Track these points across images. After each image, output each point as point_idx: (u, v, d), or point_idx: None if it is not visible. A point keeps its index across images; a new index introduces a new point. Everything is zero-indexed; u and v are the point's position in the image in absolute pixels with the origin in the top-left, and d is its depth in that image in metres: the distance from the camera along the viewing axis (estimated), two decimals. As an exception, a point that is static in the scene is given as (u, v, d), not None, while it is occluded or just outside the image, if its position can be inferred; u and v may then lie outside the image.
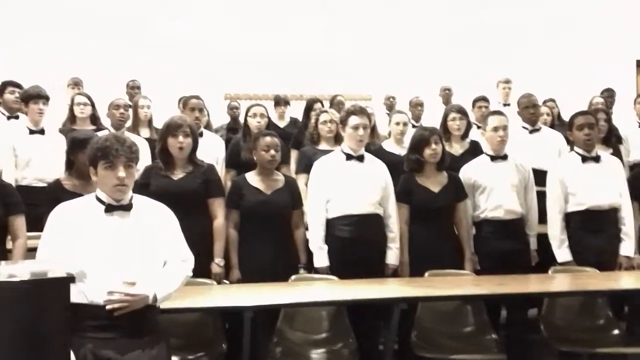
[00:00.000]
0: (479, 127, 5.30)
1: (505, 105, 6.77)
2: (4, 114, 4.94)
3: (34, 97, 4.53)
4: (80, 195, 3.25)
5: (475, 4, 9.02)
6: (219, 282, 3.58)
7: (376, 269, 3.75)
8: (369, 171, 3.88)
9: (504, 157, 4.11)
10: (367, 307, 3.55)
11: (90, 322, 2.39)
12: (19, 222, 3.36)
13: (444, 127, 4.70)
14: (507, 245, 3.93)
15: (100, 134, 3.88)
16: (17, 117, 4.94)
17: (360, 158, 3.88)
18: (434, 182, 3.98)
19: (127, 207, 2.57)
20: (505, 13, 8.96)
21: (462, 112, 4.79)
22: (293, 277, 3.61)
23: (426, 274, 3.67)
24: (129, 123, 5.17)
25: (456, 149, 4.70)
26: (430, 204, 3.93)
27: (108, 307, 2.40)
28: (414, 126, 6.04)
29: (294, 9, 8.79)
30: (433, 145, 3.92)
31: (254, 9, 8.70)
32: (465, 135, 4.79)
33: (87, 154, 2.59)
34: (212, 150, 4.51)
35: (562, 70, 8.65)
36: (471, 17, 8.94)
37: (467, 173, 4.11)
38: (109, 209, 2.54)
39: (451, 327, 3.64)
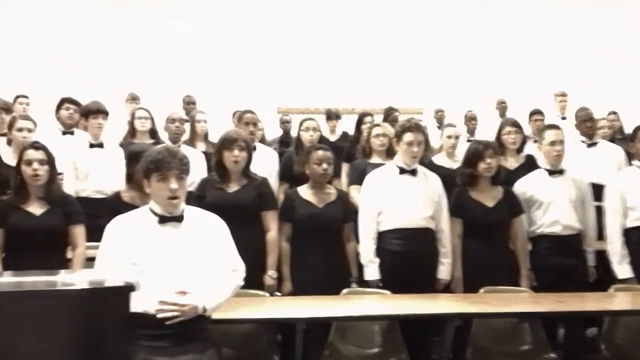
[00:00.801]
0: (535, 141, 5.21)
1: (562, 118, 6.63)
2: (59, 129, 5.12)
3: (94, 112, 4.68)
4: (135, 206, 3.37)
5: (526, 18, 8.90)
6: (271, 294, 3.60)
7: (427, 284, 3.70)
8: (422, 185, 3.85)
9: (561, 172, 4.02)
10: (420, 323, 3.51)
11: (144, 330, 2.45)
12: (79, 232, 3.48)
13: (499, 141, 4.63)
14: (564, 261, 3.83)
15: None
16: (72, 133, 5.12)
17: (414, 172, 3.86)
18: (488, 197, 3.92)
19: (180, 218, 2.62)
20: (557, 27, 8.80)
21: (516, 125, 4.71)
22: (345, 290, 3.60)
23: (481, 290, 3.60)
24: (185, 137, 5.30)
25: (511, 163, 4.63)
26: (485, 219, 3.87)
27: (159, 315, 2.45)
28: (468, 140, 5.98)
29: (345, 24, 8.85)
30: (488, 160, 3.87)
31: (306, 24, 8.80)
32: (520, 149, 4.71)
33: (141, 166, 2.66)
34: (265, 164, 4.56)
35: (626, 82, 8.42)
36: (525, 30, 8.82)
37: (523, 188, 4.03)
38: (162, 220, 2.60)
39: (507, 345, 3.56)
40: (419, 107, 8.49)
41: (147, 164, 2.60)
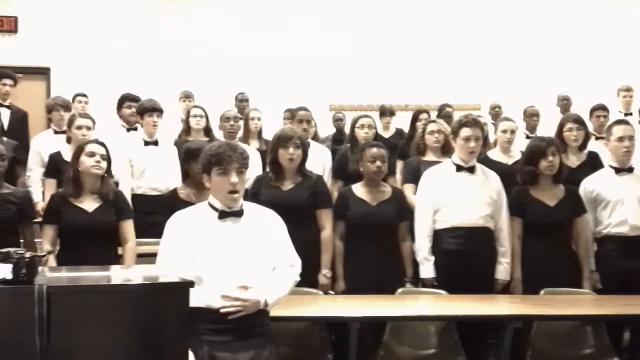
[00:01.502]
0: (597, 138, 5.04)
1: (626, 114, 6.38)
2: (123, 127, 5.23)
3: (149, 110, 4.77)
4: (193, 203, 3.41)
5: (589, 10, 8.63)
6: (325, 293, 3.61)
7: (484, 285, 3.65)
8: (480, 183, 3.79)
9: (630, 170, 3.87)
10: (477, 324, 3.46)
11: (207, 325, 2.49)
12: (129, 226, 3.56)
13: (560, 138, 4.49)
14: (632, 263, 3.69)
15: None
16: (135, 129, 5.23)
17: (472, 169, 3.80)
18: (550, 196, 3.82)
19: (239, 213, 2.65)
20: (622, 17, 8.50)
21: (579, 121, 4.56)
22: (399, 290, 3.58)
23: (542, 292, 3.52)
24: (239, 134, 5.36)
25: (573, 161, 4.48)
26: (546, 219, 3.77)
27: (222, 310, 2.49)
28: (527, 137, 5.84)
29: (397, 19, 8.78)
30: (550, 157, 3.76)
31: (357, 21, 8.77)
32: (583, 146, 4.56)
33: (201, 161, 2.69)
34: (318, 161, 4.57)
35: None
36: (588, 23, 8.56)
37: (589, 186, 3.90)
38: (222, 215, 2.63)
39: (568, 349, 3.48)
40: (476, 103, 8.34)
41: (207, 158, 2.63)
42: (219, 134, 5.33)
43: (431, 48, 8.60)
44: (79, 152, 3.48)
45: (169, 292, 2.03)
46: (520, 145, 4.82)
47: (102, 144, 3.54)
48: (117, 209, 3.52)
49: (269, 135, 5.69)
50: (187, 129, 5.40)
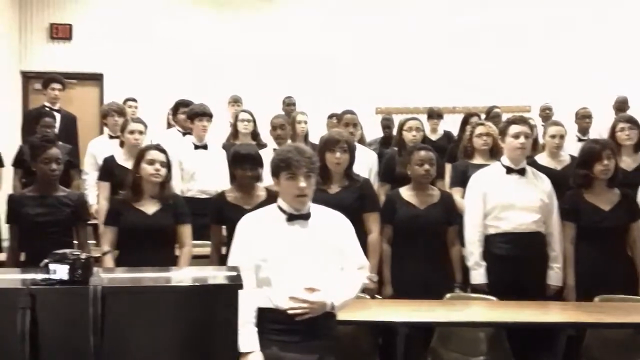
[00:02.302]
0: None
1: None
2: (179, 131, 5.34)
3: (199, 114, 4.87)
4: (240, 207, 3.49)
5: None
6: (372, 297, 3.59)
7: (536, 291, 3.58)
8: (531, 186, 3.71)
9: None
10: (528, 331, 3.38)
11: (275, 325, 2.53)
12: (187, 231, 3.63)
13: (613, 139, 4.36)
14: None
15: (262, 151, 4.09)
16: (190, 134, 5.32)
17: (522, 171, 3.73)
18: (604, 200, 3.72)
19: (307, 216, 2.67)
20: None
21: (632, 121, 4.42)
22: (448, 295, 3.53)
23: (596, 299, 3.43)
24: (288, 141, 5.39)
25: (628, 163, 4.35)
26: (600, 223, 3.66)
27: (290, 312, 2.52)
28: (579, 140, 5.70)
29: (445, 20, 8.69)
30: (605, 161, 3.66)
31: (404, 22, 8.73)
32: (638, 148, 4.42)
33: (271, 165, 2.73)
34: (366, 165, 4.57)
35: None
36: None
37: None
38: (290, 218, 2.66)
39: (623, 358, 3.37)
40: (526, 105, 8.18)
41: (276, 162, 2.67)
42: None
43: (479, 48, 8.49)
44: (139, 158, 3.56)
45: (218, 294, 2.05)
46: (571, 148, 4.71)
47: (163, 151, 3.61)
48: (176, 213, 3.59)
49: (315, 138, 5.73)
50: (234, 133, 5.48)
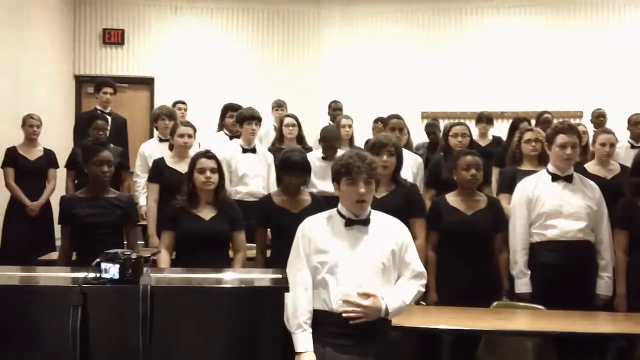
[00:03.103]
0: None
1: None
2: (226, 134, 5.40)
3: (248, 118, 4.91)
4: (286, 210, 3.52)
5: None
6: (416, 303, 3.56)
7: (585, 300, 3.49)
8: (579, 193, 3.63)
9: None
10: (577, 342, 3.30)
11: (329, 328, 2.56)
12: (241, 238, 3.68)
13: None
14: None
15: (309, 154, 4.12)
16: (238, 137, 5.37)
17: (569, 178, 3.65)
18: (660, 208, 3.60)
19: (366, 222, 2.70)
20: None
21: None
22: (495, 303, 3.48)
23: (648, 310, 3.32)
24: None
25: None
26: (654, 232, 3.55)
27: (344, 315, 2.54)
28: (632, 147, 5.53)
29: (492, 25, 8.57)
30: (660, 168, 3.55)
31: (451, 26, 8.64)
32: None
33: (332, 170, 2.77)
34: (411, 169, 4.54)
35: None
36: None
37: None
38: (349, 223, 2.69)
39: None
40: (578, 110, 7.99)
41: (337, 167, 2.71)
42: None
43: (528, 52, 8.33)
44: (192, 167, 3.63)
45: (264, 296, 2.08)
46: (623, 155, 4.57)
47: (211, 157, 3.65)
48: (232, 219, 3.64)
49: (360, 142, 5.73)
50: (280, 137, 5.51)
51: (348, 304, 2.54)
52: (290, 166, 3.61)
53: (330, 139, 4.94)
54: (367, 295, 2.56)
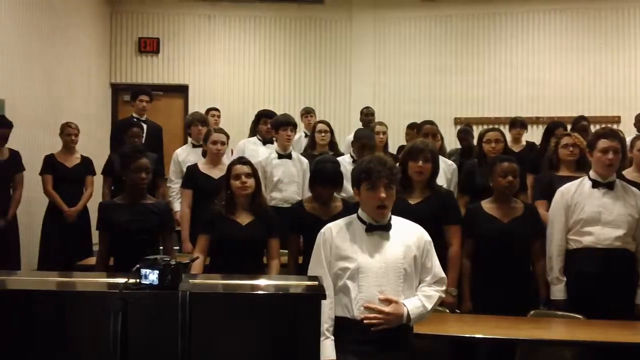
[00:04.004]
0: None
1: None
2: (259, 140, 5.43)
3: (284, 124, 4.93)
4: (318, 217, 3.52)
5: None
6: (451, 312, 3.53)
7: (622, 310, 3.41)
8: (620, 201, 3.55)
9: None
10: (617, 353, 3.21)
11: (352, 335, 2.55)
12: (276, 245, 3.67)
13: None
14: None
15: (339, 159, 4.11)
16: (272, 142, 5.40)
17: (610, 185, 3.57)
18: (702, 216, 3.50)
19: (387, 227, 2.68)
20: None
21: None
22: (532, 312, 3.42)
23: (691, 321, 3.22)
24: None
25: None
26: (698, 241, 3.45)
27: (365, 321, 2.53)
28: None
29: (529, 28, 8.46)
30: (703, 175, 3.45)
31: (486, 30, 8.56)
32: None
33: (351, 175, 2.75)
34: (445, 175, 4.50)
35: None
36: None
37: None
38: (370, 228, 2.67)
39: None
40: (615, 115, 7.83)
41: (357, 172, 2.70)
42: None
43: (563, 56, 8.20)
44: (228, 174, 3.65)
45: (301, 303, 2.07)
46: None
47: (246, 162, 3.67)
48: (269, 226, 3.63)
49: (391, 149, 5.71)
50: (312, 144, 5.52)
51: (369, 310, 2.53)
52: (323, 179, 3.60)
53: (361, 138, 4.93)
54: (388, 301, 2.54)
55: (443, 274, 2.76)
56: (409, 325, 2.62)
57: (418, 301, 2.63)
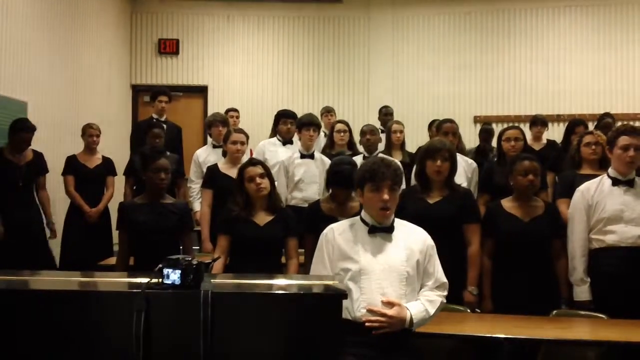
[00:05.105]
0: None
1: None
2: (279, 140, 5.45)
3: (306, 124, 4.95)
4: (334, 218, 3.48)
5: None
6: (472, 311, 3.51)
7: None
8: (640, 198, 3.50)
9: None
10: (641, 353, 3.18)
11: (352, 337, 2.50)
12: (294, 244, 3.66)
13: None
14: None
15: (355, 158, 4.09)
16: (291, 143, 5.42)
17: (630, 183, 3.53)
18: None
19: (390, 229, 2.66)
20: None
21: None
22: (554, 312, 3.40)
23: None
24: (381, 147, 5.39)
25: None
26: None
27: (367, 324, 2.51)
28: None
29: (549, 23, 8.38)
30: None
31: (505, 27, 8.49)
32: None
33: (356, 176, 2.74)
34: (465, 174, 4.48)
35: None
36: None
37: None
38: (372, 230, 2.66)
39: None
40: (638, 112, 7.71)
41: (361, 173, 2.69)
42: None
43: (585, 53, 8.10)
44: (240, 178, 3.63)
45: (322, 303, 2.07)
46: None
47: (257, 163, 3.65)
48: (286, 226, 3.63)
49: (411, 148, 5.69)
50: (330, 143, 5.52)
51: (372, 312, 2.51)
52: (340, 180, 3.57)
53: (366, 132, 4.91)
54: (391, 304, 2.52)
55: (445, 279, 2.73)
56: (411, 331, 2.59)
57: (421, 305, 2.61)
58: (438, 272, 2.71)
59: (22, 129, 5.10)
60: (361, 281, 2.57)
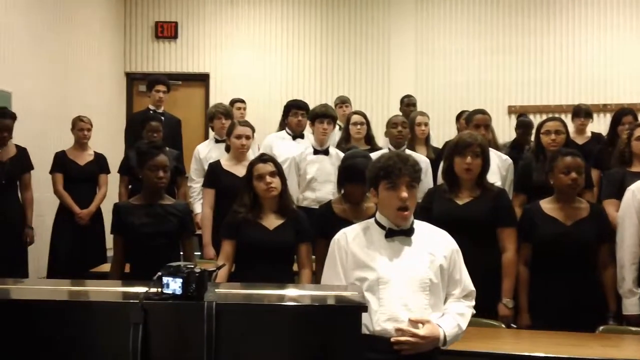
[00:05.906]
0: None
1: None
2: (288, 133, 5.44)
3: (319, 116, 4.92)
4: (348, 220, 3.46)
5: None
6: (507, 326, 3.49)
7: None
8: (701, 200, 3.47)
9: None
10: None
11: (371, 354, 2.45)
12: (307, 251, 3.65)
13: None
14: None
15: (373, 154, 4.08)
16: (302, 137, 5.41)
17: (687, 182, 3.50)
18: None
19: (409, 232, 2.64)
20: None
21: None
22: (601, 327, 3.38)
23: None
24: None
25: None
26: None
27: (396, 347, 2.49)
28: None
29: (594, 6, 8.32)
30: None
31: (540, 7, 8.45)
32: None
33: (368, 174, 2.72)
34: (499, 172, 4.46)
35: None
36: None
37: None
38: (390, 234, 2.64)
39: None
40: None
41: (375, 170, 2.65)
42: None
43: (633, 35, 8.02)
44: (249, 176, 3.62)
45: (339, 316, 2.07)
46: None
47: (269, 160, 3.64)
48: (297, 230, 3.61)
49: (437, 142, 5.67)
50: (346, 137, 5.49)
51: (400, 332, 2.47)
52: (353, 176, 3.51)
53: (397, 123, 4.93)
54: (421, 322, 2.49)
55: (473, 287, 2.71)
56: (439, 348, 2.57)
57: (453, 321, 2.58)
58: (465, 279, 2.69)
59: (1, 115, 5.11)
60: (379, 291, 2.54)
